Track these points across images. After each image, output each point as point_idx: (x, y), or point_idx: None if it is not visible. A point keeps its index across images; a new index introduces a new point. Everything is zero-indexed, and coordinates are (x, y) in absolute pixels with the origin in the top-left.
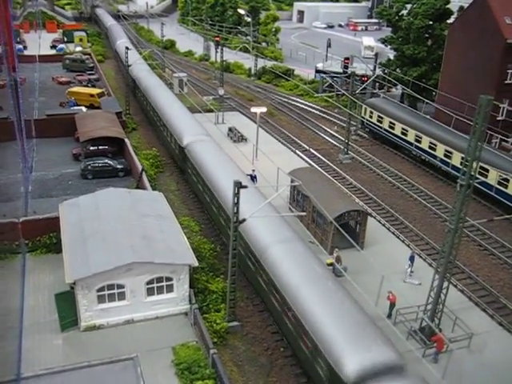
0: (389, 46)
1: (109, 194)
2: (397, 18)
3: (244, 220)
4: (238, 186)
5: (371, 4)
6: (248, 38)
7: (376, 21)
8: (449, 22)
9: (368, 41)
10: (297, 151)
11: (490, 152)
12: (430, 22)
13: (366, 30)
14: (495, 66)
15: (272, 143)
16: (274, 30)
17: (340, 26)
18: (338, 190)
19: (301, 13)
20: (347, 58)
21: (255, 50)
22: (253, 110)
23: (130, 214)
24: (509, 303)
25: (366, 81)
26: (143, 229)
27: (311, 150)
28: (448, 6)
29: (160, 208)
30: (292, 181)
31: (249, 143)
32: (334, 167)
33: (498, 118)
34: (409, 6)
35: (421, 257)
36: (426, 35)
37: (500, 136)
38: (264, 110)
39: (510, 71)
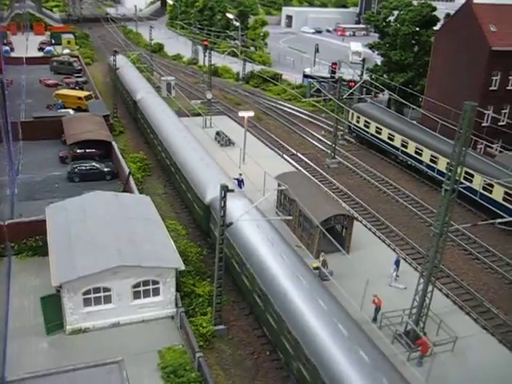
0: (376, 52)
1: (96, 198)
2: (384, 24)
3: (231, 223)
4: (225, 189)
5: (359, 9)
6: (236, 42)
7: (364, 26)
8: (435, 28)
9: (356, 46)
10: (284, 155)
11: (474, 157)
12: (417, 29)
13: (354, 35)
14: (480, 72)
15: (259, 147)
16: (262, 34)
17: (328, 31)
18: (325, 194)
19: (289, 17)
20: (335, 63)
21: (243, 54)
22: (240, 114)
23: (116, 217)
24: (493, 307)
25: (353, 86)
26: (130, 232)
27: (298, 154)
28: (434, 13)
29: (147, 211)
30: (279, 185)
31: (236, 147)
32: (321, 172)
33: (483, 125)
34: (396, 13)
35: (406, 261)
36: (413, 41)
37: (485, 142)
38: (251, 114)
39: (494, 78)
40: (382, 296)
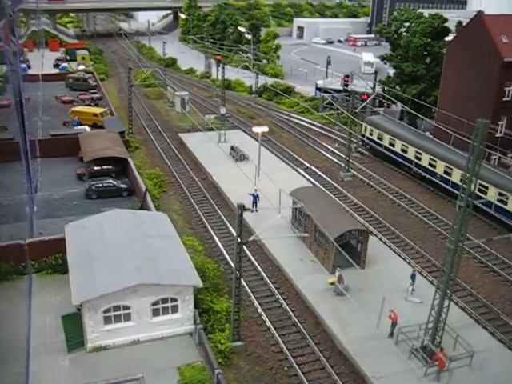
0: (388, 64)
1: (114, 216)
2: (396, 36)
3: (247, 242)
4: (242, 208)
5: (370, 19)
6: (249, 55)
7: (375, 36)
8: (447, 39)
9: (368, 57)
10: (298, 169)
11: (488, 169)
12: (429, 40)
13: (366, 45)
14: (493, 83)
15: (274, 161)
16: (274, 47)
17: (340, 41)
18: (340, 208)
19: (301, 29)
20: (347, 76)
21: (256, 67)
22: (254, 129)
23: (134, 235)
24: (510, 320)
25: (367, 99)
26: (148, 250)
27: (312, 167)
28: (446, 25)
29: (164, 228)
30: (294, 202)
31: (250, 162)
32: (336, 185)
33: (497, 135)
34: (407, 24)
35: (422, 274)
36: (425, 53)
37: (499, 153)
38: (266, 129)
39: (507, 89)
40: (398, 310)
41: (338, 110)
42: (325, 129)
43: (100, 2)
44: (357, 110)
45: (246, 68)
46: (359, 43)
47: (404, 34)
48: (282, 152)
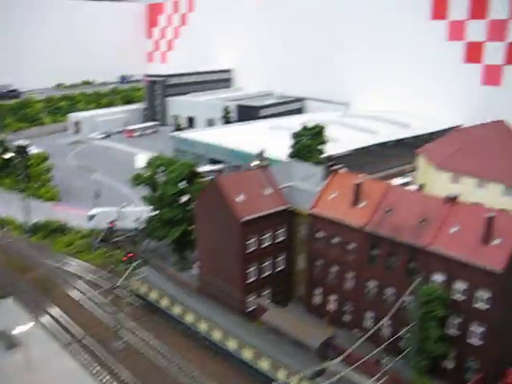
0: (149, 206)
1: None
2: (152, 180)
3: None
4: None
5: (145, 104)
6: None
7: (152, 124)
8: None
9: (141, 159)
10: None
11: None
12: (182, 187)
13: (143, 135)
14: (237, 238)
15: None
16: (45, 169)
17: (119, 132)
18: None
19: (77, 123)
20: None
21: (28, 192)
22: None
23: None
24: None
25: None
26: None
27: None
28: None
29: None
30: None
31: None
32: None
33: (247, 282)
34: (162, 169)
35: None
36: (181, 197)
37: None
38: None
39: (248, 242)
40: None
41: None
42: (98, 273)
43: None
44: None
45: (22, 190)
46: (136, 134)
47: (160, 179)
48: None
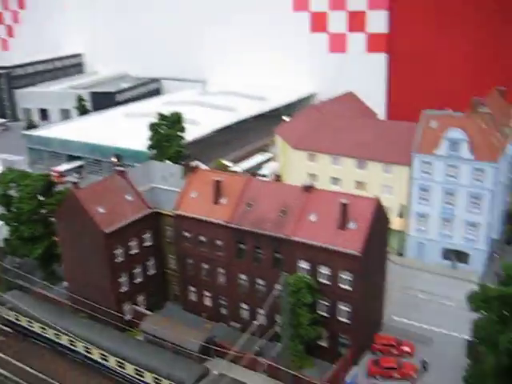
0: (5, 224)
1: None
2: (4, 199)
3: None
4: None
5: None
6: None
7: (2, 121)
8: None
9: None
10: None
11: None
12: (38, 201)
13: None
14: (103, 250)
15: None
16: None
17: None
18: None
19: None
20: None
21: None
22: None
23: None
24: None
25: None
26: None
27: None
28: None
29: None
30: None
31: None
32: None
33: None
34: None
35: None
36: (40, 211)
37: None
38: None
39: (116, 252)
40: None
41: None
42: None
43: None
44: None
45: None
46: None
47: (14, 195)
48: None
